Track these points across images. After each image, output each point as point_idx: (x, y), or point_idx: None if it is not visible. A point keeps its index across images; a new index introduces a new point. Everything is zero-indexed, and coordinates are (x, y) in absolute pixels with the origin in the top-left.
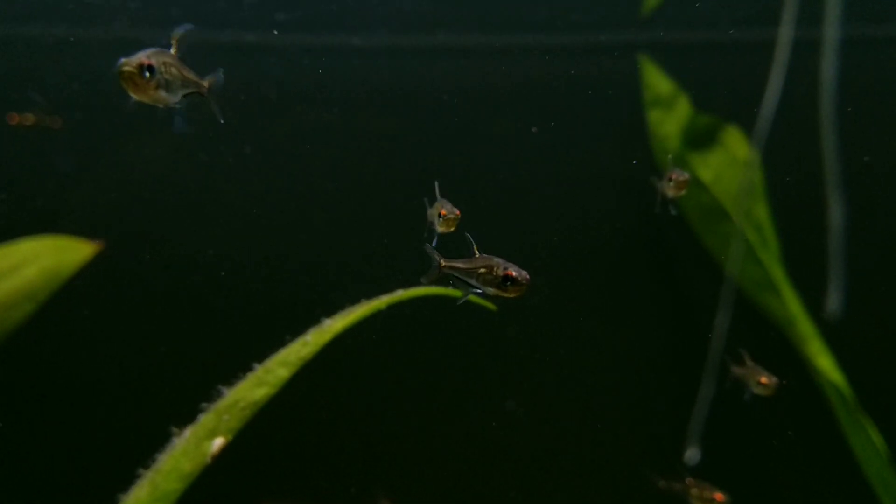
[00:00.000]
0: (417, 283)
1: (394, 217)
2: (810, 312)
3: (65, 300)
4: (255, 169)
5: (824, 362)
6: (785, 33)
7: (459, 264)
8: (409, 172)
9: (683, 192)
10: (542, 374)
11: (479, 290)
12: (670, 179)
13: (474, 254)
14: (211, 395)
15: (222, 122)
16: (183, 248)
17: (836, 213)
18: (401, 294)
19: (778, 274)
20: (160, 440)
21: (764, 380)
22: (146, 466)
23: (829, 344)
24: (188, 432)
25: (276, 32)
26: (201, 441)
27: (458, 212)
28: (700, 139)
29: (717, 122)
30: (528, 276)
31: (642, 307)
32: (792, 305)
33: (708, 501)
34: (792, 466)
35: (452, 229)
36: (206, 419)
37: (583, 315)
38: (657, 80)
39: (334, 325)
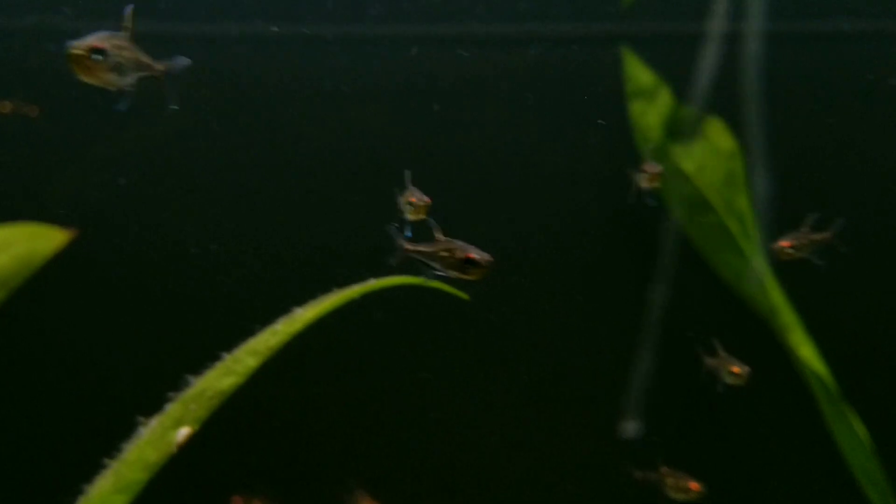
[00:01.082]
0: (391, 273)
1: (372, 208)
2: (792, 302)
3: (35, 288)
4: (226, 159)
5: (806, 352)
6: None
7: (422, 248)
8: (388, 164)
9: (657, 184)
10: (521, 364)
11: (441, 274)
12: (644, 171)
13: (437, 238)
14: (180, 385)
15: (176, 108)
16: (154, 237)
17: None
18: (373, 283)
19: (760, 264)
20: (128, 430)
21: (735, 369)
22: (112, 457)
23: (812, 333)
24: (154, 422)
25: (243, 23)
26: (167, 431)
27: (427, 199)
28: (681, 130)
29: (699, 114)
30: (489, 259)
31: (625, 298)
32: (774, 295)
33: (683, 490)
34: (775, 456)
35: (423, 217)
36: (172, 409)
37: (564, 306)
38: (639, 72)
39: (304, 314)
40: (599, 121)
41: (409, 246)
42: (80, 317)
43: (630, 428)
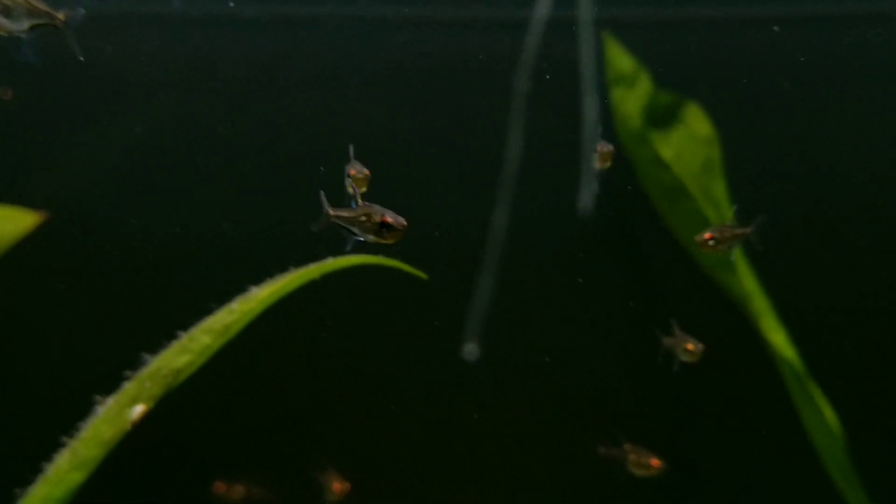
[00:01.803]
0: (354, 253)
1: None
2: (765, 288)
3: None
4: (184, 140)
5: (777, 338)
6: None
7: (344, 213)
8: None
9: (609, 164)
10: (492, 345)
11: (361, 239)
12: (596, 151)
13: (358, 204)
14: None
15: (81, 59)
16: (113, 218)
17: (590, 112)
18: (332, 263)
19: (735, 250)
20: (87, 409)
21: (690, 346)
22: (70, 435)
23: (784, 320)
24: (111, 400)
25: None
26: (123, 408)
27: (367, 171)
28: (661, 117)
29: (678, 100)
30: (404, 223)
31: (604, 286)
32: (747, 282)
33: (644, 466)
34: (746, 441)
35: (364, 189)
36: (128, 387)
37: (542, 292)
38: (619, 58)
39: (260, 293)
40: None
41: (332, 212)
42: (41, 298)
43: (469, 350)
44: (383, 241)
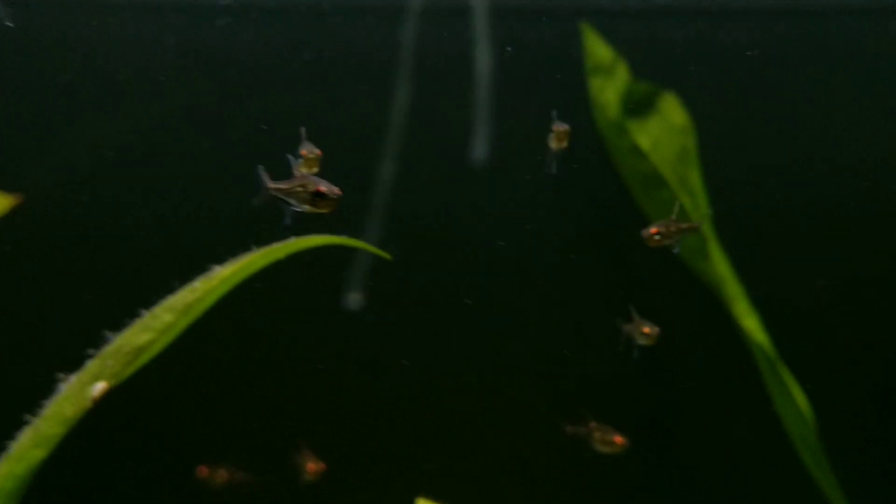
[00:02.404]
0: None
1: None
2: (738, 274)
3: None
4: (152, 119)
5: (750, 323)
6: None
7: (282, 185)
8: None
9: (565, 144)
10: (467, 327)
11: (298, 209)
12: (552, 131)
13: (295, 174)
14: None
15: (11, 25)
16: (78, 197)
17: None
18: (295, 243)
19: (709, 237)
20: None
21: (646, 330)
22: (34, 414)
23: (756, 305)
24: (73, 378)
25: None
26: (85, 386)
27: (318, 151)
28: (638, 106)
29: (655, 90)
30: (337, 192)
31: (578, 275)
32: (720, 267)
33: (608, 444)
34: (721, 424)
35: (315, 170)
36: (90, 365)
37: (521, 281)
38: (597, 48)
39: (222, 272)
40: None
41: (271, 185)
42: (5, 279)
43: (352, 300)
44: (318, 211)
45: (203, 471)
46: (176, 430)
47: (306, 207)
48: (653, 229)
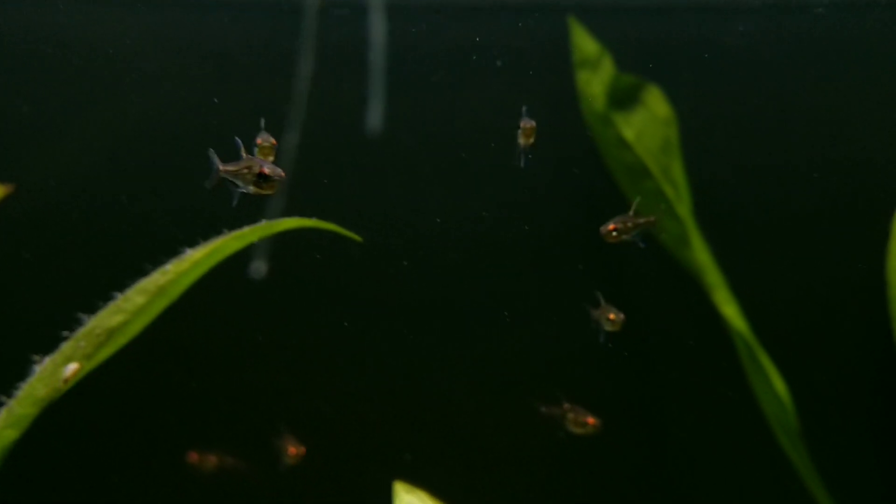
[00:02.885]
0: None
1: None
2: (718, 262)
3: None
4: (126, 99)
5: (729, 310)
6: None
7: (230, 167)
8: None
9: (532, 140)
10: (446, 313)
11: (244, 190)
12: (519, 128)
13: (242, 157)
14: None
15: None
16: (51, 178)
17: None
18: (265, 226)
19: (691, 226)
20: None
21: (612, 316)
22: (9, 395)
23: (736, 293)
24: (47, 360)
25: None
26: (58, 367)
27: (273, 140)
28: (623, 99)
29: (639, 82)
30: (281, 173)
31: (559, 260)
32: (701, 255)
33: (581, 425)
34: (702, 408)
35: (271, 158)
36: (64, 347)
37: (502, 270)
38: (584, 42)
39: (194, 255)
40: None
41: (221, 167)
42: None
43: (256, 268)
44: (263, 192)
45: (193, 457)
46: (159, 416)
47: (252, 189)
48: (610, 225)
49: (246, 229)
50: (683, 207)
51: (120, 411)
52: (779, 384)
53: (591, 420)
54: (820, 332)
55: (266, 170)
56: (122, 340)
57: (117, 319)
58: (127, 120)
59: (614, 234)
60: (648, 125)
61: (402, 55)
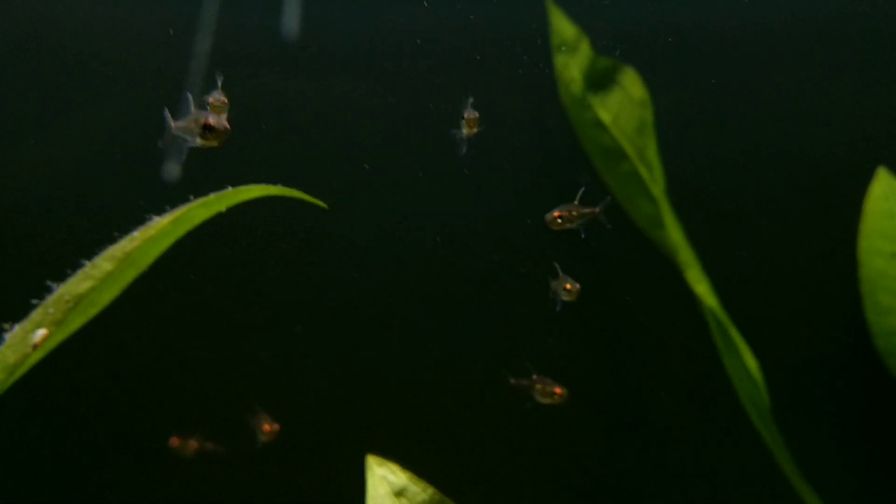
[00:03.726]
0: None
1: None
2: (691, 242)
3: None
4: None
5: (702, 288)
6: None
7: (182, 124)
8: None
9: (476, 130)
10: (415, 287)
11: (192, 144)
12: (464, 118)
13: (192, 112)
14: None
15: None
16: (27, 151)
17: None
18: (232, 192)
19: (664, 206)
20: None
21: (568, 286)
22: None
23: (708, 271)
24: (17, 327)
25: None
26: (27, 334)
27: (224, 99)
28: (600, 81)
29: (616, 65)
30: (226, 125)
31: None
32: (674, 234)
33: (549, 395)
34: (675, 385)
35: (224, 115)
36: (34, 314)
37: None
38: (562, 25)
39: (160, 221)
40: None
41: (173, 123)
42: None
43: (169, 171)
44: (209, 144)
45: (174, 441)
46: (134, 400)
47: (199, 141)
48: (555, 213)
49: (211, 196)
50: (657, 188)
51: (94, 397)
52: (750, 361)
53: (558, 390)
54: (792, 312)
55: (211, 121)
56: (92, 310)
57: (85, 286)
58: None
59: (559, 221)
60: (625, 107)
61: None
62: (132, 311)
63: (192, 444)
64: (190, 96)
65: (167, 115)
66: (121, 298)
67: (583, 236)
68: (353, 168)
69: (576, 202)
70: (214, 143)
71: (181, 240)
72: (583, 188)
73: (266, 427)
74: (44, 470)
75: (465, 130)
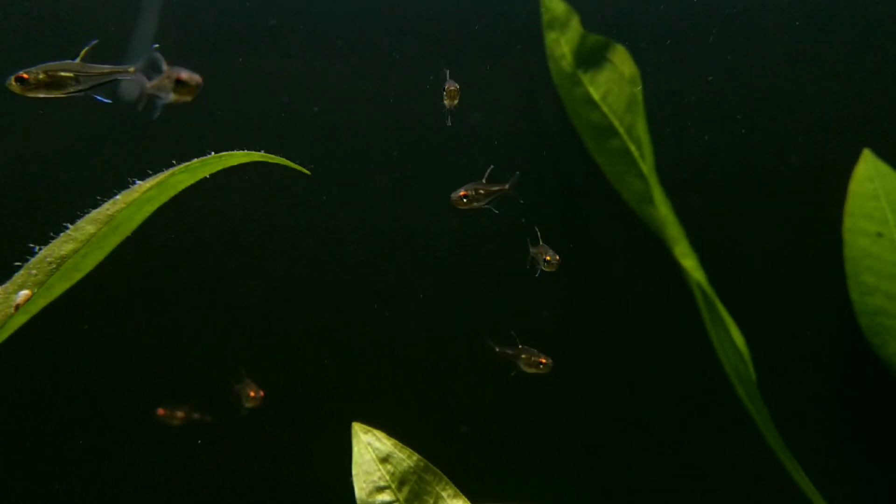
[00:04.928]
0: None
1: None
2: (679, 217)
3: None
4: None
5: (689, 263)
6: None
7: (155, 81)
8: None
9: (456, 102)
10: (402, 254)
11: (166, 100)
12: (444, 90)
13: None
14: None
15: None
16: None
17: None
18: (215, 158)
19: (653, 182)
20: None
21: (548, 257)
22: None
23: (695, 246)
24: (0, 288)
25: None
26: (10, 295)
27: (198, 79)
28: (590, 58)
29: (606, 41)
30: (198, 79)
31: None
32: (662, 209)
33: (534, 365)
34: (660, 361)
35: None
36: (16, 276)
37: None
38: (553, 2)
39: (143, 185)
40: None
41: (147, 83)
42: None
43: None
44: (182, 99)
45: (161, 412)
46: (119, 370)
47: (172, 96)
48: (461, 192)
49: (195, 161)
50: (646, 164)
51: (81, 368)
52: (737, 336)
53: (543, 360)
54: (779, 290)
55: (183, 76)
56: (76, 275)
57: (68, 248)
58: None
59: (464, 200)
60: (614, 84)
61: None
62: (117, 281)
63: (179, 414)
64: (159, 55)
65: (141, 76)
66: (107, 268)
67: (496, 212)
68: (342, 144)
69: (483, 180)
70: (188, 98)
71: (167, 210)
72: (491, 167)
73: (251, 393)
74: (29, 441)
75: (446, 102)
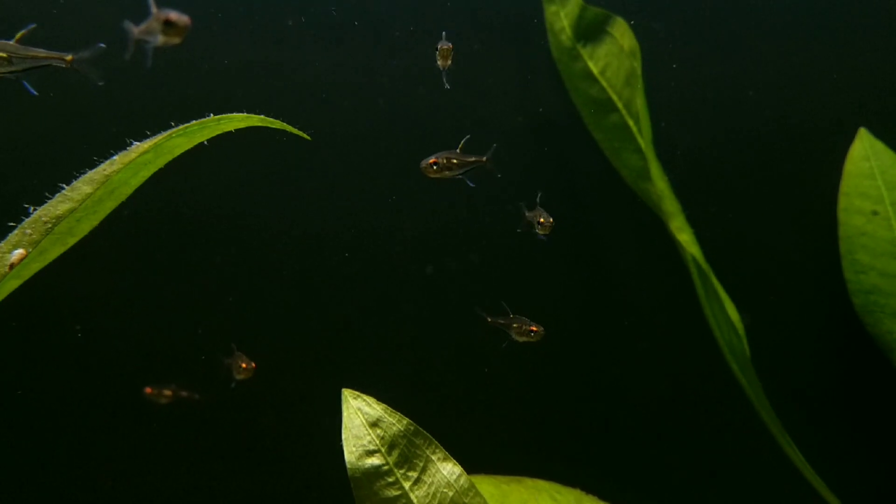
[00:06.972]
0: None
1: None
2: (674, 191)
3: None
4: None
5: (684, 237)
6: None
7: (143, 27)
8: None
9: (450, 62)
10: (394, 228)
11: (155, 44)
12: (437, 48)
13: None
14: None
15: None
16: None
17: None
18: (214, 120)
19: (651, 156)
20: None
21: (542, 220)
22: None
23: (690, 220)
24: None
25: None
26: (4, 255)
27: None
28: (590, 31)
29: (606, 15)
30: (186, 20)
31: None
32: (659, 183)
33: (525, 333)
34: (654, 337)
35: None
36: (11, 235)
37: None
38: None
39: (140, 146)
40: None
41: (135, 30)
42: None
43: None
44: (171, 41)
45: (149, 391)
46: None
47: (161, 39)
48: (431, 159)
49: (193, 123)
50: (644, 140)
51: (68, 346)
52: (732, 311)
53: (535, 328)
54: (773, 269)
55: (172, 16)
56: (71, 240)
57: (64, 207)
58: None
59: (434, 168)
60: (614, 58)
61: None
62: (107, 252)
63: (167, 392)
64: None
65: (129, 25)
66: (96, 239)
67: (471, 184)
68: (342, 122)
69: (458, 150)
70: (176, 40)
71: (159, 186)
72: (468, 136)
73: (243, 365)
74: (17, 421)
75: (439, 62)
